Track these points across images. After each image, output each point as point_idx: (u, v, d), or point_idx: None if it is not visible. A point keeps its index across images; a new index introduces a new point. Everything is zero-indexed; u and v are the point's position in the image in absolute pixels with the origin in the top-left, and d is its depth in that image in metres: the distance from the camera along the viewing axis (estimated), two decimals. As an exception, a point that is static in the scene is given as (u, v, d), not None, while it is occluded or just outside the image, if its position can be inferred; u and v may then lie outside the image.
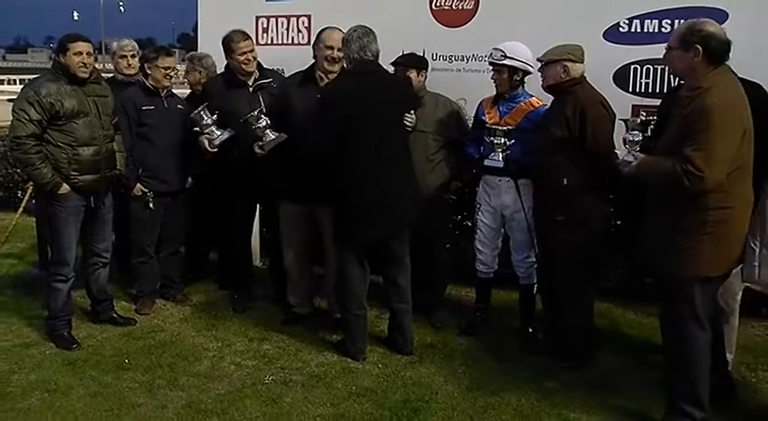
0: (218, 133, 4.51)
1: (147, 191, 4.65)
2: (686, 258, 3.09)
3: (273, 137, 4.30)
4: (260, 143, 4.33)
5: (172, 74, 4.73)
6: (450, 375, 3.93)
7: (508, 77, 4.14)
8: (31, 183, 4.86)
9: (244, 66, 4.57)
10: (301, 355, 4.18)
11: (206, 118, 4.48)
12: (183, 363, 4.07)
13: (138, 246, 4.82)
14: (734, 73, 3.14)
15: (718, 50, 3.02)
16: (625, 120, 3.59)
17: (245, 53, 4.55)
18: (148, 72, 4.70)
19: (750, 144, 3.05)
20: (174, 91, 4.92)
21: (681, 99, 3.15)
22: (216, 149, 4.53)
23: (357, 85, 3.96)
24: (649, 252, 3.29)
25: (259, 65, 4.69)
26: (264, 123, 4.29)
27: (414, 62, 4.46)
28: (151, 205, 4.68)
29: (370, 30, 4.02)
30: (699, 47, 3.01)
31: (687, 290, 3.13)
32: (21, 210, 5.77)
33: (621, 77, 4.44)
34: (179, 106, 4.81)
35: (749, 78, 3.30)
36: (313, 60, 4.38)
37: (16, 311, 4.79)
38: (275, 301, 4.99)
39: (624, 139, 3.50)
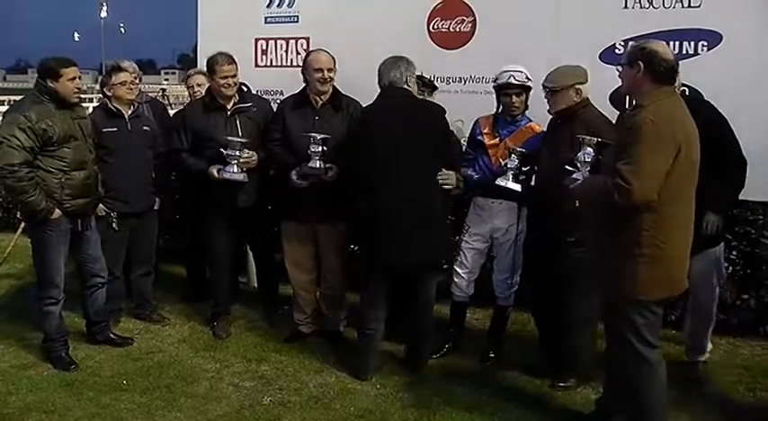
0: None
1: (109, 211, 4.60)
2: (622, 280, 3.06)
3: (317, 166, 4.22)
4: (304, 163, 4.25)
5: (132, 87, 4.69)
6: (449, 395, 3.91)
7: (525, 99, 4.15)
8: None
9: (223, 89, 4.55)
10: (300, 376, 4.17)
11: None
12: (182, 384, 4.06)
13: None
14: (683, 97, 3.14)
15: (660, 69, 3.02)
16: (582, 139, 3.52)
17: (226, 77, 4.54)
18: (109, 94, 4.64)
19: (689, 167, 3.01)
20: (144, 113, 4.87)
21: (624, 119, 3.16)
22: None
23: (375, 114, 4.01)
24: (595, 273, 3.29)
25: (240, 90, 4.70)
26: (320, 149, 4.19)
27: (428, 84, 4.45)
28: (114, 226, 4.64)
29: (397, 58, 4.01)
30: (641, 63, 3.03)
31: (627, 311, 3.10)
32: (19, 231, 5.76)
33: (618, 99, 4.46)
34: (145, 128, 4.76)
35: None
36: (304, 84, 4.42)
37: (14, 333, 4.77)
38: (268, 321, 5.02)
39: (575, 157, 3.48)
